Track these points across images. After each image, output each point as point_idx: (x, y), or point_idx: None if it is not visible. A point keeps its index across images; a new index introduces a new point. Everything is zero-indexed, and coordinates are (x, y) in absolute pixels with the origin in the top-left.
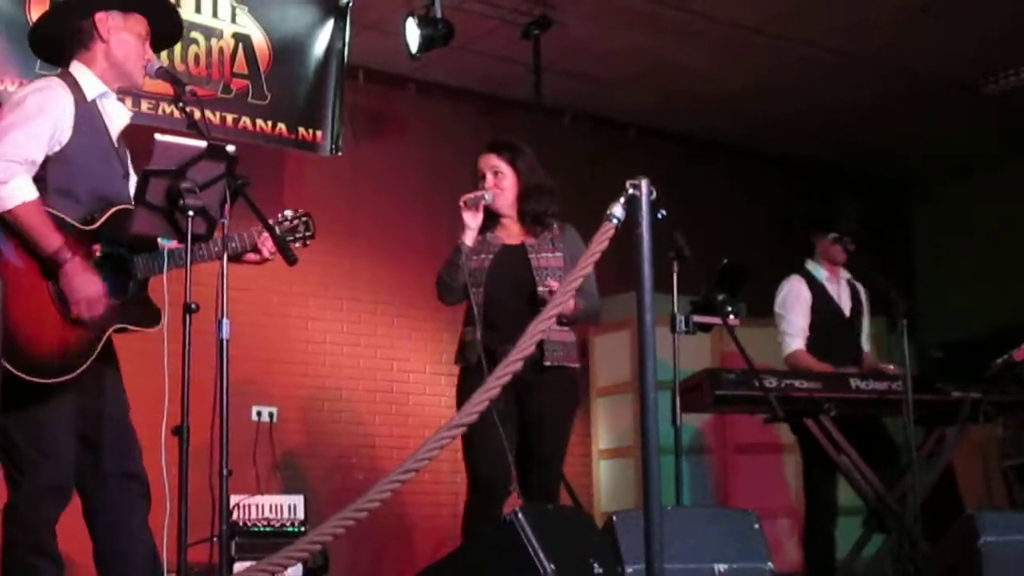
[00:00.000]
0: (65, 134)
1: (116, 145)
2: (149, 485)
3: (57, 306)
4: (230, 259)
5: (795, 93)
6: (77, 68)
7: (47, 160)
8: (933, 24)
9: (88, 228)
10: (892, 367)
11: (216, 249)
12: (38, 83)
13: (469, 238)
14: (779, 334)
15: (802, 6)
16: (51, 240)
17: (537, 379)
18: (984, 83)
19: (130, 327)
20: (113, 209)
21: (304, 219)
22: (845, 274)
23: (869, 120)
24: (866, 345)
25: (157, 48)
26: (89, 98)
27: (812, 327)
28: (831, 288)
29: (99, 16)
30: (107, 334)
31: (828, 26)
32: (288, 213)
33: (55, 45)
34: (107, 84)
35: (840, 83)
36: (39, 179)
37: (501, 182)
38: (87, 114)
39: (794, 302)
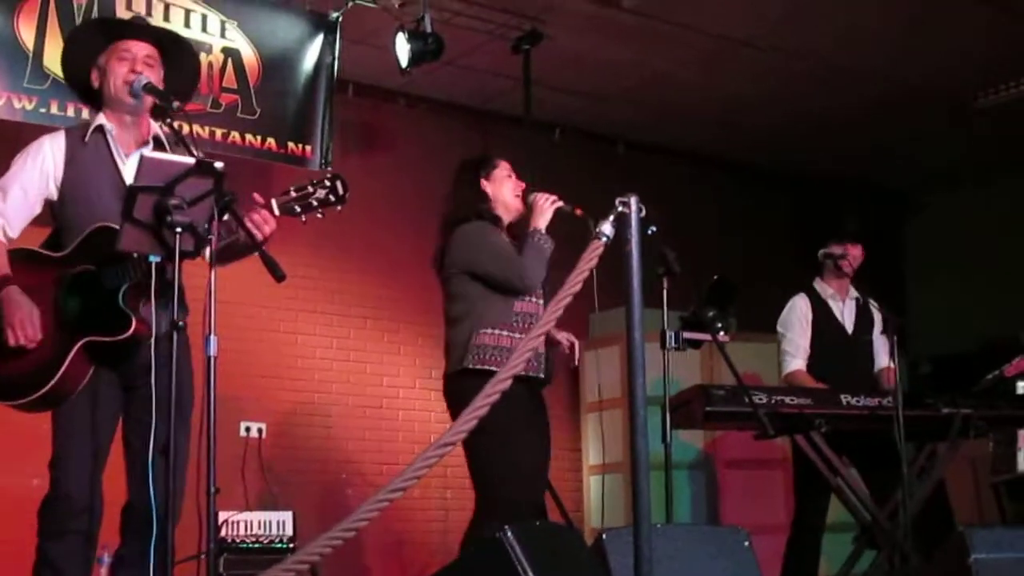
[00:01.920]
0: (57, 177)
1: (120, 167)
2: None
3: None
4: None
5: (785, 106)
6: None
7: (56, 203)
8: (924, 37)
9: (59, 255)
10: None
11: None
12: (31, 144)
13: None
14: (780, 353)
15: (792, 18)
16: None
17: (540, 395)
18: (976, 97)
19: (97, 338)
20: (87, 230)
21: (328, 184)
22: (854, 293)
23: (860, 133)
24: (884, 360)
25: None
26: (87, 138)
27: (815, 346)
28: (835, 306)
29: (91, 73)
30: (76, 346)
31: (818, 38)
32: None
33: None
34: (112, 118)
35: (830, 96)
36: (58, 221)
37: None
38: (84, 151)
39: (795, 321)
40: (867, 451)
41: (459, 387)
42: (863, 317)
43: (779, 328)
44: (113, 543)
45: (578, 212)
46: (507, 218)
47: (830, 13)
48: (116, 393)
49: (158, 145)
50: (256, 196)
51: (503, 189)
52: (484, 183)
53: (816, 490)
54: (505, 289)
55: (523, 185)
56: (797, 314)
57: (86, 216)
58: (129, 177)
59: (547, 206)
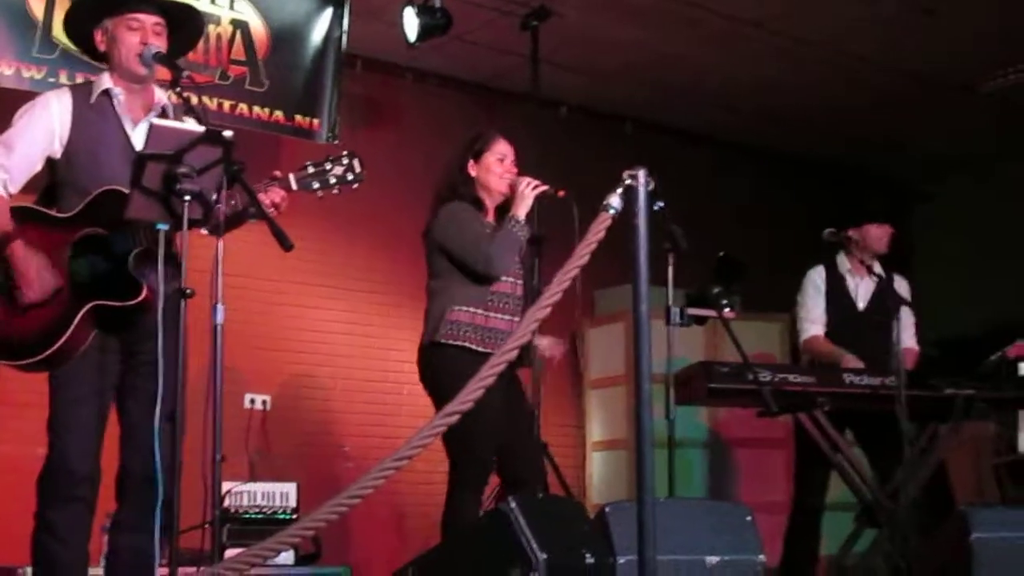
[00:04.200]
0: (63, 136)
1: (128, 133)
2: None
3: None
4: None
5: (793, 88)
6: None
7: (59, 162)
8: (932, 22)
9: (66, 216)
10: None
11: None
12: (35, 99)
13: (523, 218)
14: (798, 322)
15: (802, 2)
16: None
17: (512, 376)
18: (983, 81)
19: (106, 302)
20: (95, 192)
21: (345, 162)
22: (877, 270)
23: (867, 117)
24: (907, 342)
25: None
26: (93, 99)
27: (828, 319)
28: (850, 281)
29: (95, 35)
30: (83, 309)
31: (828, 22)
32: (321, 161)
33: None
34: (120, 83)
35: (838, 79)
36: (58, 180)
37: (515, 172)
38: (91, 113)
39: (809, 290)
40: (870, 427)
41: (430, 358)
42: (882, 296)
43: (797, 298)
44: (104, 508)
45: (560, 194)
46: (490, 202)
47: None
48: (116, 359)
49: (163, 115)
50: (276, 173)
51: (489, 175)
52: (471, 165)
53: (816, 468)
54: (470, 272)
55: (514, 171)
56: (809, 284)
57: (92, 178)
58: (137, 143)
59: (528, 192)
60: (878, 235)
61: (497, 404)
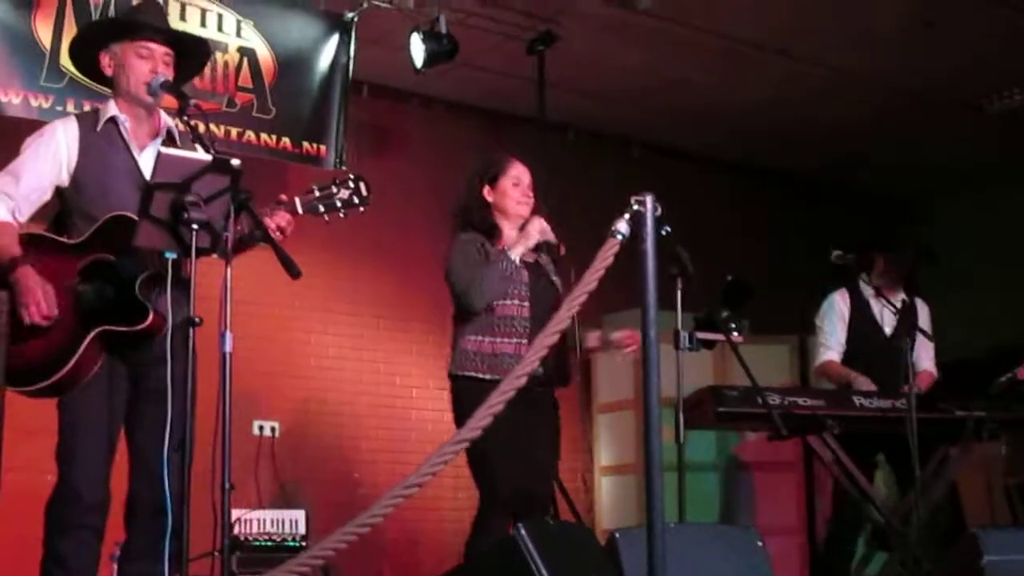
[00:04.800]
0: (71, 164)
1: (136, 158)
2: (163, 510)
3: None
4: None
5: (798, 109)
6: (110, 100)
7: (68, 190)
8: (935, 41)
9: (75, 242)
10: None
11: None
12: (42, 129)
13: (518, 256)
14: (815, 346)
15: (805, 22)
16: (7, 254)
17: (540, 393)
18: (986, 101)
19: (113, 328)
20: (102, 219)
21: (352, 185)
22: (901, 295)
23: (871, 137)
24: (924, 364)
25: (191, 63)
26: (99, 127)
27: (850, 344)
28: (875, 305)
29: (101, 58)
30: (90, 335)
31: (831, 42)
32: (327, 184)
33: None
34: (126, 110)
35: (842, 99)
36: (67, 208)
37: (531, 195)
38: (98, 140)
39: (831, 315)
40: (901, 450)
41: (453, 391)
42: (904, 320)
43: (816, 322)
44: (113, 536)
45: (561, 252)
46: (509, 227)
47: (843, 17)
48: (125, 386)
49: (170, 139)
50: (282, 197)
51: (506, 200)
52: (487, 192)
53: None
54: (458, 302)
55: (530, 195)
56: (834, 310)
57: (100, 204)
58: (145, 168)
59: (534, 232)
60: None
61: (518, 429)
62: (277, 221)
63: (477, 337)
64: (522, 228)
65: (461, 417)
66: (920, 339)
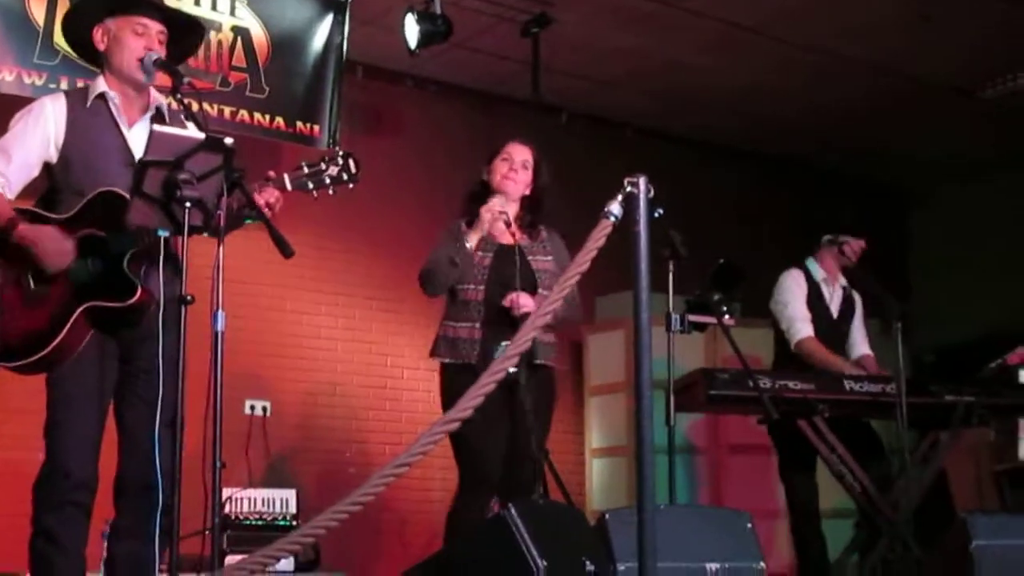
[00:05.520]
0: (59, 140)
1: (125, 135)
2: (154, 488)
3: (20, 289)
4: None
5: (793, 95)
6: (99, 76)
7: (56, 166)
8: (931, 29)
9: (64, 217)
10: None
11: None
12: (30, 105)
13: (474, 242)
14: (784, 322)
15: (801, 8)
16: (3, 217)
17: (528, 377)
18: (981, 88)
19: (102, 303)
20: (92, 194)
21: (340, 161)
22: (843, 281)
23: (866, 123)
24: (865, 348)
25: (185, 42)
26: (88, 102)
27: None
28: (825, 289)
29: (94, 32)
30: (78, 310)
31: (827, 28)
32: (316, 161)
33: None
34: (116, 86)
35: (838, 86)
36: (56, 184)
37: (523, 176)
38: (87, 117)
39: (794, 290)
40: (858, 445)
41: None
42: (847, 306)
43: (778, 298)
44: (103, 514)
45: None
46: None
47: (839, 4)
48: (114, 364)
49: (159, 117)
50: (270, 173)
51: (494, 176)
52: (486, 172)
53: (805, 473)
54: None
55: (518, 176)
56: (795, 285)
57: (88, 181)
58: (134, 145)
59: (484, 216)
60: (854, 248)
61: (494, 409)
62: (266, 197)
63: (445, 322)
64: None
65: (442, 399)
66: (857, 323)
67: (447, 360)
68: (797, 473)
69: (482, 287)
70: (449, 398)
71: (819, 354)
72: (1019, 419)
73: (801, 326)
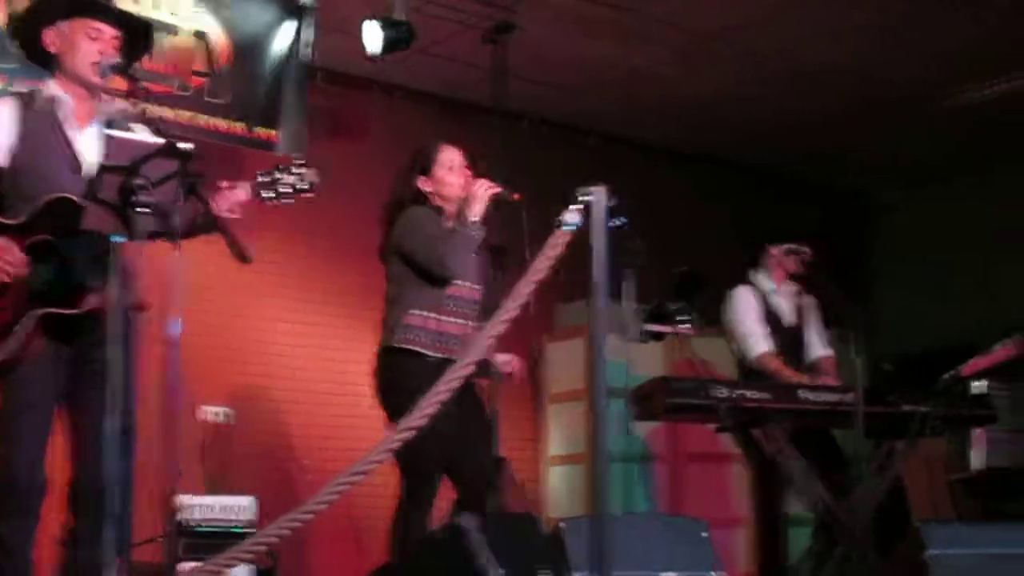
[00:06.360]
0: (8, 144)
1: (72, 140)
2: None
3: None
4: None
5: (756, 102)
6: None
7: (5, 170)
8: (895, 37)
9: (16, 223)
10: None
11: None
12: None
13: (478, 216)
14: (739, 340)
15: (766, 16)
16: None
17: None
18: (945, 96)
19: (56, 310)
20: (46, 200)
21: (298, 171)
22: (792, 287)
23: (829, 131)
24: (822, 350)
25: (136, 46)
26: (38, 105)
27: None
28: (774, 300)
29: (45, 34)
30: (30, 317)
31: (790, 36)
32: (273, 170)
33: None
34: (68, 89)
35: (801, 93)
36: (4, 189)
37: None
38: (36, 120)
39: (748, 308)
40: (819, 456)
41: (383, 363)
42: (799, 310)
43: (731, 317)
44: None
45: (515, 197)
46: (451, 208)
47: (804, 12)
48: (67, 368)
49: (110, 122)
50: (225, 183)
51: (444, 187)
52: (422, 182)
53: (776, 482)
54: (426, 274)
55: (467, 175)
56: (747, 303)
57: (36, 186)
58: (83, 150)
59: (482, 193)
60: (800, 256)
61: (447, 419)
62: (220, 204)
63: (424, 313)
64: (468, 197)
65: (392, 391)
66: (814, 327)
67: (427, 352)
68: (767, 482)
69: (479, 286)
70: (410, 389)
71: (775, 371)
72: (972, 430)
73: (755, 341)
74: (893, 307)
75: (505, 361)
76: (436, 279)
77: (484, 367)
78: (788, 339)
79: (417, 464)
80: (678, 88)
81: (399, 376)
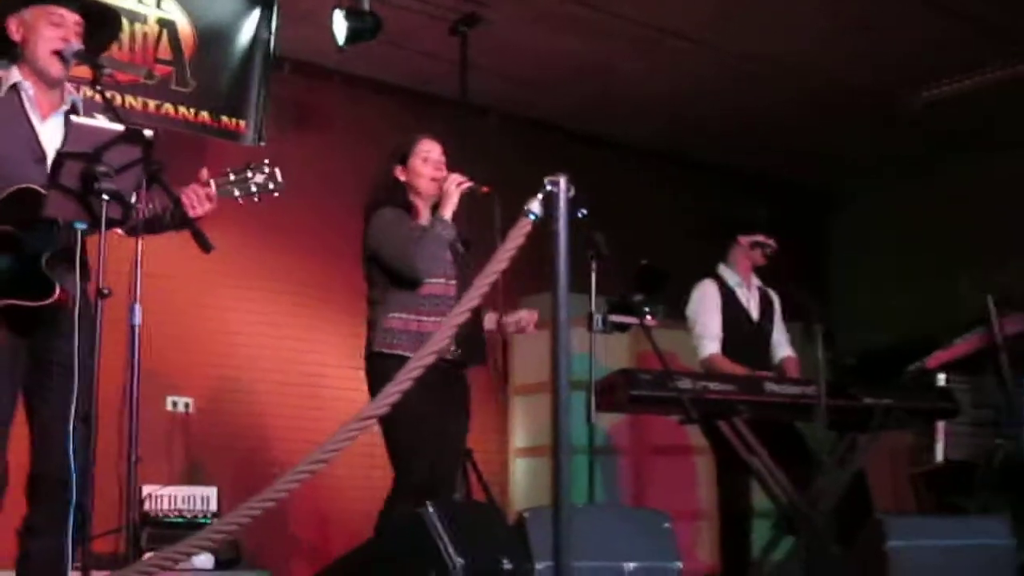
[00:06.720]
0: None
1: (36, 129)
2: (67, 484)
3: None
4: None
5: (719, 99)
6: (13, 66)
7: None
8: (857, 35)
9: None
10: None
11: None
12: None
13: (450, 215)
14: (694, 337)
15: (727, 13)
16: None
17: (458, 375)
18: (905, 94)
19: (16, 302)
20: (8, 191)
21: (267, 171)
22: (757, 281)
23: (790, 128)
24: (787, 350)
25: (101, 33)
26: (1, 93)
27: (723, 330)
28: (741, 293)
29: (8, 22)
30: None
31: (753, 33)
32: (243, 168)
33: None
34: (31, 77)
35: (763, 90)
36: None
37: (443, 169)
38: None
39: (707, 306)
40: (785, 449)
41: (371, 368)
42: (766, 306)
43: (689, 314)
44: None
45: (484, 190)
46: (423, 204)
47: (768, 9)
48: (24, 360)
49: (74, 111)
50: (202, 172)
51: (417, 178)
52: (399, 171)
53: (741, 475)
54: (398, 276)
55: (442, 170)
56: (709, 299)
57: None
58: (45, 140)
59: (453, 189)
60: (765, 249)
61: (433, 411)
62: (194, 194)
63: (403, 315)
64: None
65: (377, 394)
66: (778, 323)
67: (409, 354)
68: (731, 474)
69: (453, 282)
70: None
71: (721, 371)
72: (937, 422)
73: (707, 343)
74: (854, 302)
75: (521, 318)
76: (407, 281)
77: (472, 353)
78: (753, 334)
79: (404, 457)
80: (644, 85)
81: (383, 381)
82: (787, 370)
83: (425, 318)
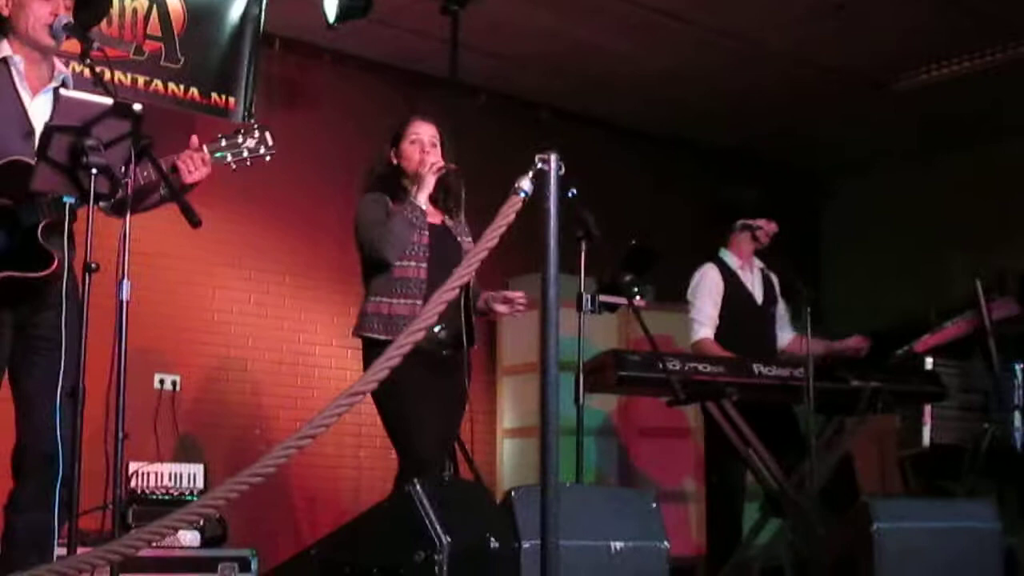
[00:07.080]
0: None
1: (25, 104)
2: (53, 458)
3: None
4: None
5: (711, 81)
6: (3, 40)
7: None
8: (848, 19)
9: None
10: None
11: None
12: None
13: (424, 201)
14: (688, 321)
15: None
16: None
17: (460, 358)
18: (896, 79)
19: (15, 274)
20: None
21: (258, 135)
22: (759, 263)
23: (782, 111)
24: (790, 331)
25: (91, 9)
26: None
27: (724, 316)
28: (744, 277)
29: None
30: None
31: (745, 15)
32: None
33: None
34: (21, 51)
35: (755, 73)
36: None
37: (435, 156)
38: None
39: (706, 290)
40: (771, 429)
41: (363, 352)
42: (768, 288)
43: (688, 296)
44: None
45: (451, 168)
46: (413, 185)
47: None
48: (9, 334)
49: (64, 85)
50: (194, 139)
51: (406, 161)
52: (392, 154)
53: (728, 454)
54: (369, 259)
55: (432, 151)
56: (709, 284)
57: None
58: (34, 114)
59: (425, 173)
60: (770, 229)
61: (430, 392)
62: (187, 161)
63: (377, 298)
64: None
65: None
66: (780, 306)
67: (380, 337)
68: (722, 456)
69: (424, 265)
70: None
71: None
72: (924, 405)
73: (699, 328)
74: (845, 286)
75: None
76: (376, 264)
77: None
78: (758, 315)
79: (407, 444)
80: (632, 64)
81: (365, 364)
82: (797, 349)
83: (396, 300)
